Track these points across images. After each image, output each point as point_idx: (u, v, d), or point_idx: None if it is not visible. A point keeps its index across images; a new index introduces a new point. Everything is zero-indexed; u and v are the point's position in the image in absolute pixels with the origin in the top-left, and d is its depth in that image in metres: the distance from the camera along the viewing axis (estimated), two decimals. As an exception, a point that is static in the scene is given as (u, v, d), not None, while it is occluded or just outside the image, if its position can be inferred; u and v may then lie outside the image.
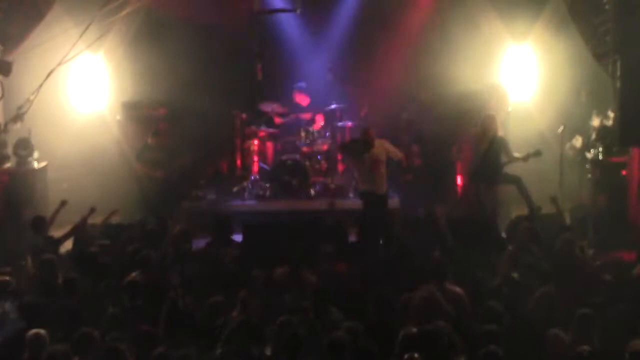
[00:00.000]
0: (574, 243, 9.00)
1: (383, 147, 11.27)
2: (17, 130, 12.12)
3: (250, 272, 8.64)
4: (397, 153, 11.46)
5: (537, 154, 11.30)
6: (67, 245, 10.32)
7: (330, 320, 7.34)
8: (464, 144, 12.58)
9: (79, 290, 8.24)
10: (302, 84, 14.03)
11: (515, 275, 8.33)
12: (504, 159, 11.34)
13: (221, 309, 7.62)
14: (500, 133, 11.58)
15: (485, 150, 11.22)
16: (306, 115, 13.79)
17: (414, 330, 6.69)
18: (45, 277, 8.69)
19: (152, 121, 13.16)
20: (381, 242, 10.19)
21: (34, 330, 7.05)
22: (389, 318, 7.34)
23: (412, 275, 8.39)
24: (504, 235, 10.31)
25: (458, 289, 7.86)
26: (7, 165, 12.27)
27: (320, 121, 13.66)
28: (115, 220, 11.05)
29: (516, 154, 11.41)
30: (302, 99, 13.92)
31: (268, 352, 6.96)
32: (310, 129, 13.54)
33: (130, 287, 8.12)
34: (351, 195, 12.88)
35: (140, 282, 8.19)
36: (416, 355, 6.28)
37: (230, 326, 7.10)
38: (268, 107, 13.81)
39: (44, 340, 6.96)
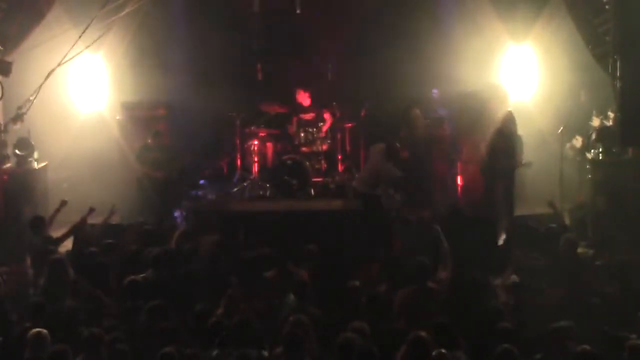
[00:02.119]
0: (576, 243, 9.01)
1: None
2: (17, 130, 12.13)
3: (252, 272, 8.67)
4: None
5: (528, 165, 11.49)
6: (67, 245, 10.32)
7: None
8: (466, 144, 12.60)
9: (85, 291, 8.25)
10: (305, 84, 14.01)
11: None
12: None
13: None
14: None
15: (504, 146, 11.30)
16: (308, 116, 13.78)
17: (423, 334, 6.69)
18: (54, 276, 8.67)
19: (152, 121, 13.14)
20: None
21: (35, 330, 7.05)
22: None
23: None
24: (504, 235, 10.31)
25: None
26: (7, 165, 12.27)
27: (329, 120, 13.63)
28: (115, 220, 11.04)
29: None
30: (304, 99, 13.91)
31: (266, 353, 6.95)
32: (310, 129, 13.54)
33: (131, 286, 8.12)
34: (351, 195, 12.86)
35: (142, 282, 8.20)
36: (444, 350, 6.29)
37: (229, 326, 7.11)
38: (268, 107, 13.82)
39: (46, 339, 6.95)
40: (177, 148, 13.12)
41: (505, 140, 11.37)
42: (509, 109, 11.71)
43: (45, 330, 7.04)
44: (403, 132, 12.46)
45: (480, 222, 10.51)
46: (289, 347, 6.76)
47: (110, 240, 9.66)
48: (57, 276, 8.62)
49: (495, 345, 6.50)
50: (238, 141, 13.85)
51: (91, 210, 10.51)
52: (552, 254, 8.87)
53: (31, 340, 6.97)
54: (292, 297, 8.08)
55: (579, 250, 9.21)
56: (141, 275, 8.44)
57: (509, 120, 11.47)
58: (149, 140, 12.51)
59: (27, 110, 11.61)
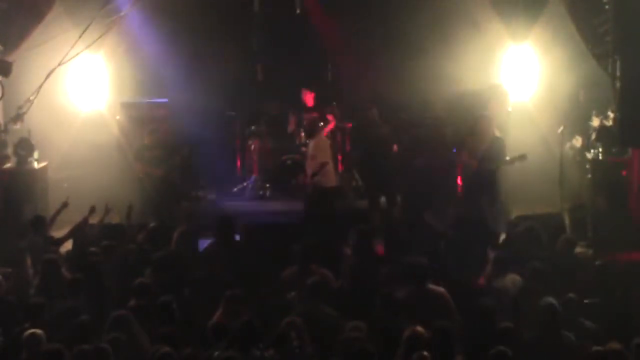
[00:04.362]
0: (574, 243, 9.00)
1: (317, 144, 11.59)
2: (17, 130, 12.12)
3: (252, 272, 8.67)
4: (320, 156, 11.58)
5: (522, 158, 11.31)
6: (67, 246, 10.32)
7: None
8: (466, 144, 12.60)
9: (83, 290, 8.24)
10: (304, 84, 14.00)
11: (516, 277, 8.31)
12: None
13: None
14: (498, 134, 11.59)
15: (484, 152, 11.22)
16: (310, 116, 13.77)
17: (420, 329, 6.69)
18: (48, 277, 8.68)
19: (152, 121, 13.14)
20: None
21: (30, 330, 7.04)
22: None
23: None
24: (503, 236, 10.28)
25: (441, 289, 7.86)
26: (7, 165, 12.26)
27: (332, 122, 13.62)
28: (114, 220, 11.03)
29: (507, 158, 11.45)
30: (308, 99, 13.91)
31: (268, 354, 6.93)
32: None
33: (139, 288, 8.09)
34: (351, 195, 12.88)
35: (149, 283, 8.19)
36: (425, 353, 6.28)
37: (233, 328, 7.10)
38: (269, 107, 13.83)
39: (41, 340, 6.94)
40: (175, 145, 13.11)
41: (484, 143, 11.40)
42: (485, 113, 11.70)
43: (40, 331, 7.02)
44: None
45: (480, 224, 10.47)
46: (280, 348, 6.78)
47: (110, 241, 9.64)
48: (51, 276, 8.63)
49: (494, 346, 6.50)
50: (238, 141, 13.85)
51: (91, 210, 10.49)
52: (550, 254, 8.87)
53: (26, 341, 6.96)
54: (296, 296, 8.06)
55: (579, 250, 9.20)
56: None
57: (487, 124, 11.43)
58: (146, 140, 12.53)
59: (27, 110, 11.62)
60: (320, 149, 11.57)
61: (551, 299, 7.12)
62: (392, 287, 8.03)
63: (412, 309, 7.43)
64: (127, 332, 7.09)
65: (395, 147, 12.64)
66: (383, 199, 12.44)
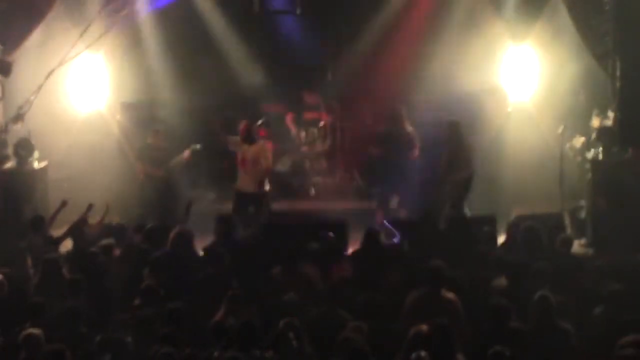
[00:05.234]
0: (572, 243, 9.01)
1: (261, 149, 11.46)
2: (17, 130, 12.13)
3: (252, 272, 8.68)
4: (264, 162, 11.46)
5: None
6: (67, 245, 10.32)
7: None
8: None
9: (83, 290, 8.25)
10: (305, 85, 13.99)
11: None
12: None
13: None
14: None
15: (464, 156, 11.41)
16: (310, 115, 13.78)
17: (425, 328, 6.69)
18: (48, 276, 8.68)
19: (152, 121, 13.15)
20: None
21: (27, 331, 7.04)
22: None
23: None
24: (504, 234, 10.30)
25: (451, 295, 7.83)
26: (7, 165, 12.26)
27: (324, 119, 13.65)
28: (114, 220, 11.03)
29: None
30: (311, 99, 13.91)
31: (268, 355, 6.94)
32: (311, 128, 13.55)
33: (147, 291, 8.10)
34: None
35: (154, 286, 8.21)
36: (423, 354, 6.28)
37: (232, 328, 7.11)
38: (269, 107, 13.84)
39: (39, 340, 6.94)
40: (176, 146, 13.11)
41: (465, 150, 11.48)
42: (452, 119, 11.79)
43: (37, 331, 7.02)
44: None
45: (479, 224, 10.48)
46: (279, 348, 6.78)
47: (110, 241, 9.65)
48: (51, 275, 8.64)
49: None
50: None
51: (89, 208, 10.48)
52: (550, 254, 8.87)
53: (24, 341, 6.96)
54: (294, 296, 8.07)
55: (579, 250, 9.21)
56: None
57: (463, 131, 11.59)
58: (148, 140, 12.53)
59: (27, 110, 11.63)
60: (262, 155, 11.49)
61: (545, 292, 7.13)
62: (401, 289, 8.07)
63: (423, 313, 7.41)
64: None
65: (417, 148, 12.62)
66: (394, 200, 12.47)
